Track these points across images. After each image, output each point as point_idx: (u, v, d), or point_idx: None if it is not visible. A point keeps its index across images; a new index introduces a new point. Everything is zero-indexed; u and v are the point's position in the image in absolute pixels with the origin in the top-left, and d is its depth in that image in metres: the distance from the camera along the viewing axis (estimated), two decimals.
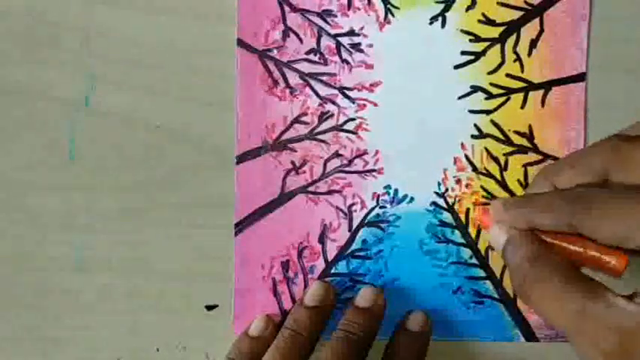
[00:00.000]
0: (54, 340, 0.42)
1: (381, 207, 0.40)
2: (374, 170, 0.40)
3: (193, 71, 0.40)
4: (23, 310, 0.42)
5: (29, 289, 0.42)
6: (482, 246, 0.40)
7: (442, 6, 0.39)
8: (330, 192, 0.40)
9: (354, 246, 0.40)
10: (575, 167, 0.33)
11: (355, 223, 0.40)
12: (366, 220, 0.40)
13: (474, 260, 0.40)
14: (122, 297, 0.41)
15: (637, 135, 0.33)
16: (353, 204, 0.40)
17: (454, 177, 0.39)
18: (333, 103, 0.40)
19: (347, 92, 0.39)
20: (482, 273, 0.40)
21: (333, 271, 0.40)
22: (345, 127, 0.40)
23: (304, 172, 0.40)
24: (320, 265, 0.40)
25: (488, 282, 0.40)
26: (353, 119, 0.40)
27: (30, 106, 0.41)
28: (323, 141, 0.40)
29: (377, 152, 0.40)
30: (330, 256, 0.40)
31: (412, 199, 0.40)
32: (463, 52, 0.39)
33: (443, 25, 0.39)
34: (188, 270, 0.41)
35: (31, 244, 0.42)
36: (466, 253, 0.40)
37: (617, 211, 0.30)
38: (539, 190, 0.34)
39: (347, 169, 0.40)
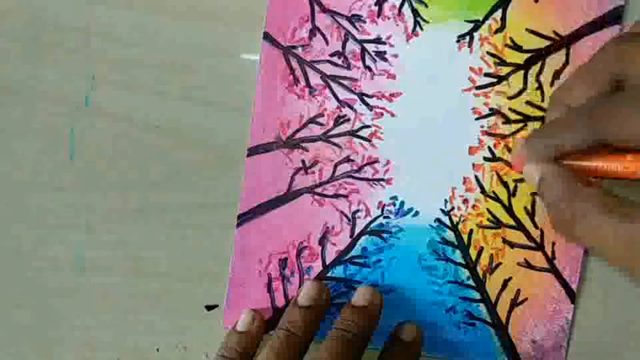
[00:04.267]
0: (54, 340, 0.42)
1: (385, 217, 0.40)
2: (383, 180, 0.40)
3: (193, 71, 0.40)
4: (23, 310, 0.42)
5: (29, 289, 0.42)
6: (480, 269, 0.39)
7: (471, 25, 0.39)
8: (336, 195, 0.40)
9: (353, 252, 0.40)
10: (585, 81, 0.33)
11: (357, 230, 0.40)
12: (369, 229, 0.40)
13: (470, 282, 0.40)
14: (122, 297, 0.42)
15: (635, 32, 0.33)
16: (358, 210, 0.40)
17: (461, 196, 0.39)
18: (351, 107, 0.40)
19: (366, 99, 0.39)
20: (477, 295, 0.40)
21: (329, 274, 0.40)
22: (360, 133, 0.40)
23: (313, 172, 0.40)
24: (317, 266, 0.40)
25: (482, 305, 0.40)
26: (368, 126, 0.40)
27: (30, 106, 0.41)
28: (336, 144, 0.40)
29: (388, 162, 0.40)
30: (329, 259, 0.40)
31: (417, 213, 0.40)
32: (486, 74, 0.39)
33: (470, 44, 0.39)
34: (188, 270, 0.41)
35: (31, 244, 0.42)
36: (464, 273, 0.40)
37: (633, 108, 0.30)
38: (555, 116, 0.34)
39: (356, 175, 0.40)
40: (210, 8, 0.40)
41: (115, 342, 0.42)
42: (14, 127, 0.41)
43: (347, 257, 0.40)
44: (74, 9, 0.41)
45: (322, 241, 0.40)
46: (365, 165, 0.40)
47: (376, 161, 0.40)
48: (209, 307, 0.41)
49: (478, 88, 0.39)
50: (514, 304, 0.39)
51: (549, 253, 0.39)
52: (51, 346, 0.42)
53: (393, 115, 0.39)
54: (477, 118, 0.39)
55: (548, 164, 0.33)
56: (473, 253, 0.40)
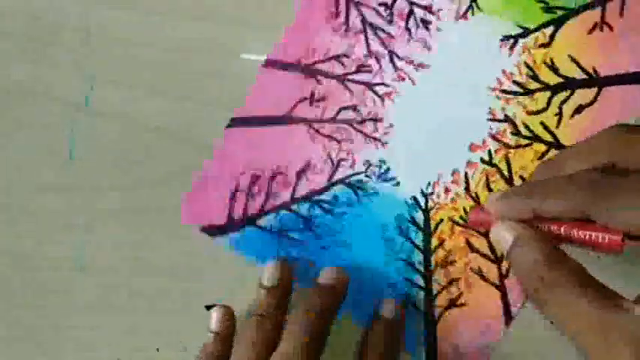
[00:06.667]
0: (54, 340, 0.42)
1: (366, 175, 0.40)
2: (379, 140, 0.40)
3: (193, 71, 0.41)
4: (23, 310, 0.42)
5: (29, 289, 0.42)
6: (435, 259, 0.39)
7: (520, 31, 0.39)
8: (330, 137, 0.40)
9: (324, 196, 0.40)
10: (580, 157, 0.32)
11: (336, 177, 0.40)
12: (348, 180, 0.40)
13: (420, 268, 0.40)
14: (122, 297, 0.41)
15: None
16: (344, 159, 0.40)
17: (445, 185, 0.39)
18: (377, 61, 0.40)
19: (394, 58, 0.40)
20: (421, 282, 0.40)
21: (293, 207, 0.40)
22: (376, 88, 0.40)
23: (318, 107, 0.40)
24: (285, 196, 0.40)
25: (421, 293, 0.40)
26: (387, 85, 0.40)
27: (30, 106, 0.41)
28: (350, 89, 0.40)
29: (391, 125, 0.40)
30: (299, 193, 0.40)
31: (398, 183, 0.40)
32: (515, 82, 0.39)
33: (511, 47, 0.39)
34: (188, 270, 0.41)
35: (31, 244, 0.42)
36: (418, 257, 0.40)
37: (633, 201, 0.29)
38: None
39: (356, 126, 0.40)
40: (211, 8, 0.40)
41: (115, 342, 0.41)
42: (14, 127, 0.41)
43: (317, 198, 0.40)
44: (74, 9, 0.41)
45: (300, 174, 0.40)
46: (368, 120, 0.40)
47: (380, 120, 0.40)
48: (209, 307, 0.41)
49: (502, 91, 0.39)
50: (451, 304, 0.39)
51: (504, 271, 0.39)
52: (51, 346, 0.42)
53: (414, 83, 0.40)
54: (489, 119, 0.39)
55: (525, 227, 0.31)
56: (434, 242, 0.40)
